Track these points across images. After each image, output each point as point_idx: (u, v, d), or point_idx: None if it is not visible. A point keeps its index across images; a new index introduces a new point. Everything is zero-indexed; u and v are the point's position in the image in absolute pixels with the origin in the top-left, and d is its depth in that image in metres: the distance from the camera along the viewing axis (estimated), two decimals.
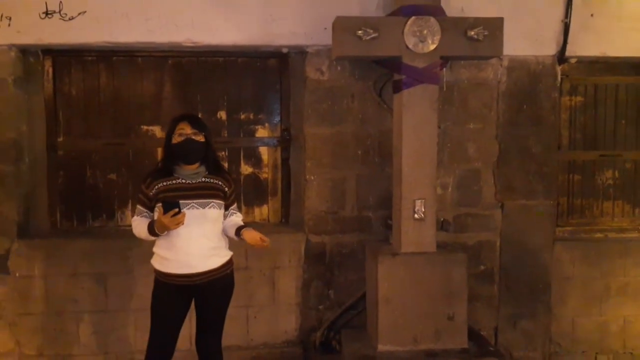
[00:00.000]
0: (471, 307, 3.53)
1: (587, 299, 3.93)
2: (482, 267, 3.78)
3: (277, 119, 3.85)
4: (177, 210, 2.50)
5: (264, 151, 3.87)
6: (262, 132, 3.86)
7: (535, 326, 3.84)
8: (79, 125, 3.71)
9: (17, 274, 3.50)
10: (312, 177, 3.61)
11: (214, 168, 2.75)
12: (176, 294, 2.71)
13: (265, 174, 3.89)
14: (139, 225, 2.71)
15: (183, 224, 2.53)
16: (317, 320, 3.71)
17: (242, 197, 3.81)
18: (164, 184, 2.66)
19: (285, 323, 3.71)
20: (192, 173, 2.69)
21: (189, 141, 2.64)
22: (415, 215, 3.24)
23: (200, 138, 2.67)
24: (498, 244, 3.78)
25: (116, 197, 3.77)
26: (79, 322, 3.58)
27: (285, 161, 3.86)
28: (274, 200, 3.92)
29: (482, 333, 3.69)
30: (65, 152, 3.71)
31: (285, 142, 3.84)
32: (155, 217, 2.65)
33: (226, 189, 2.77)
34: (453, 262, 3.26)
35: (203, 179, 2.71)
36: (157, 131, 3.76)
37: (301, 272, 3.68)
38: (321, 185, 3.62)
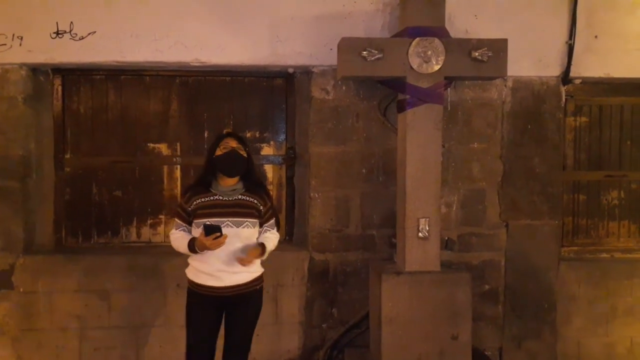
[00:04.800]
0: (475, 327, 3.52)
1: (593, 319, 3.89)
2: (487, 287, 3.76)
3: (282, 137, 3.88)
4: (219, 234, 2.58)
5: (269, 169, 3.90)
6: (267, 150, 3.89)
7: (541, 347, 3.80)
8: (87, 142, 3.76)
9: (21, 290, 3.52)
10: (317, 195, 3.63)
11: (252, 185, 2.81)
12: (207, 304, 2.77)
13: (270, 191, 3.90)
14: (179, 240, 2.78)
15: (224, 244, 2.61)
16: (320, 339, 3.69)
17: None
18: (202, 200, 2.73)
19: (288, 342, 3.69)
20: (229, 189, 2.75)
21: (233, 152, 2.71)
22: (420, 234, 3.25)
23: (243, 153, 2.75)
24: (503, 263, 3.77)
25: (121, 214, 3.80)
26: (82, 339, 3.58)
27: (290, 179, 3.88)
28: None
29: (486, 353, 3.66)
30: (72, 169, 3.76)
31: (290, 160, 3.86)
32: (193, 233, 2.75)
33: (261, 207, 2.80)
34: (457, 282, 3.25)
35: (239, 197, 2.76)
36: (164, 149, 3.80)
37: (304, 290, 3.67)
38: (325, 204, 3.63)
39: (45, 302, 3.53)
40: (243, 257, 2.68)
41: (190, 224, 2.77)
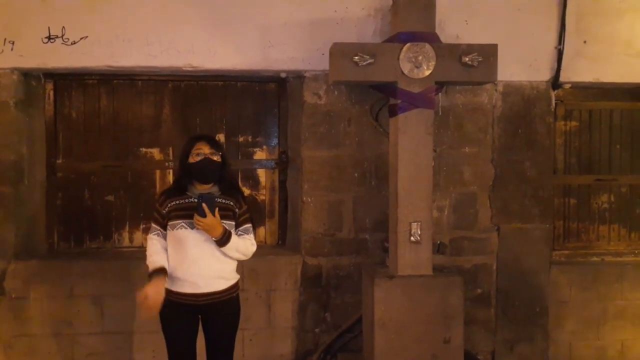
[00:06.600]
0: (468, 330, 3.53)
1: (584, 322, 3.91)
2: (479, 291, 3.78)
3: (275, 141, 3.89)
4: (163, 276, 2.62)
5: (261, 173, 3.90)
6: (260, 155, 3.90)
7: (533, 350, 3.82)
8: (79, 147, 3.75)
9: (12, 295, 3.49)
10: (309, 200, 3.64)
11: (228, 188, 2.75)
12: (182, 312, 2.71)
13: (263, 195, 3.91)
14: (151, 248, 2.73)
15: (157, 305, 2.58)
16: (313, 343, 3.69)
17: None
18: (177, 202, 2.67)
19: (281, 346, 3.69)
20: (205, 193, 2.68)
21: (206, 161, 2.65)
22: (412, 238, 3.26)
23: (217, 158, 2.69)
24: (494, 267, 3.78)
25: (114, 218, 3.79)
26: (74, 345, 3.56)
27: (282, 183, 3.89)
28: (271, 222, 3.93)
29: (478, 357, 3.67)
30: (65, 174, 3.75)
31: (283, 164, 3.87)
32: (168, 236, 2.70)
33: (237, 209, 2.73)
34: (449, 285, 3.26)
35: (215, 199, 2.67)
36: (156, 153, 3.80)
37: (297, 294, 3.67)
38: (318, 208, 3.64)
39: (37, 308, 3.51)
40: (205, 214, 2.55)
41: (164, 227, 2.70)
